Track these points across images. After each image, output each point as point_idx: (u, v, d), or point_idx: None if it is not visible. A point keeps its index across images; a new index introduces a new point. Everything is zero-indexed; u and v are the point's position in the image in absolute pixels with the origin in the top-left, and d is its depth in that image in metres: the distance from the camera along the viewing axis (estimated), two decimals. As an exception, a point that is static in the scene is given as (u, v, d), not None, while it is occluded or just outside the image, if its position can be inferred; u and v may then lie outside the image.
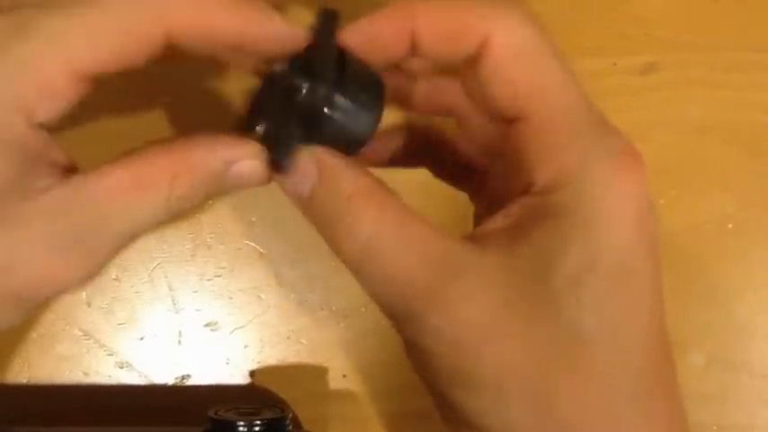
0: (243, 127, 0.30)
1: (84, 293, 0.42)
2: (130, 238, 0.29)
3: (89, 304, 0.42)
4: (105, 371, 0.42)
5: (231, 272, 0.43)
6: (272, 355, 0.43)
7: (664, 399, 0.28)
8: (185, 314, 0.43)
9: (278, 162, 0.28)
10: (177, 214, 0.29)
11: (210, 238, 0.43)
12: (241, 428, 0.36)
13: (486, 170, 0.32)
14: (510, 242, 0.27)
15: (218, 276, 0.43)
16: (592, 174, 0.26)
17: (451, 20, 0.28)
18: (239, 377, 0.43)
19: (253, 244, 0.43)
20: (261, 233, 0.43)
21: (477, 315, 0.26)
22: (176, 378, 0.43)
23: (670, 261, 0.42)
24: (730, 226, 0.43)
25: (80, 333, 0.42)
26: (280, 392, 0.42)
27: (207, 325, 0.43)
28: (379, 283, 0.27)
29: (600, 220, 0.26)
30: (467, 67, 0.28)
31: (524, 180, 0.27)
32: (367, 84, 0.28)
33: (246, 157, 0.28)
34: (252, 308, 0.43)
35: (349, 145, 0.28)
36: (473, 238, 0.28)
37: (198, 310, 0.43)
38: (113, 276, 0.42)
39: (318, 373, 0.43)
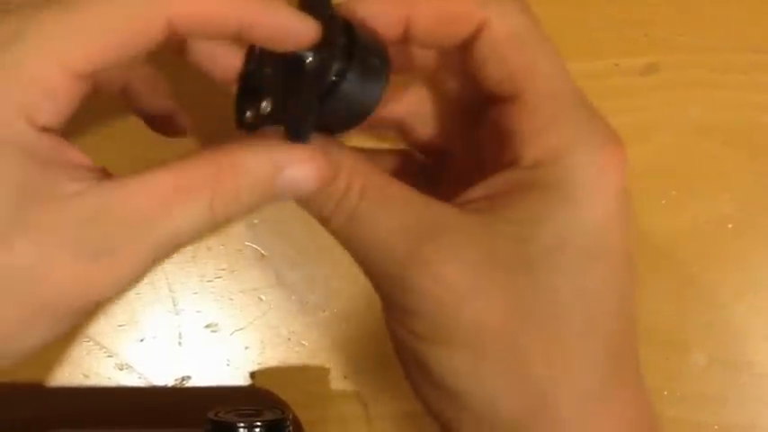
0: (241, 109, 0.30)
1: None
2: (172, 246, 0.28)
3: None
4: (105, 373, 0.42)
5: (232, 273, 0.43)
6: (273, 357, 0.43)
7: (630, 362, 0.29)
8: (186, 315, 0.43)
9: (296, 133, 0.27)
10: (222, 223, 0.28)
11: (211, 239, 0.43)
12: (241, 430, 0.36)
13: (444, 154, 0.34)
14: (492, 207, 0.28)
15: (219, 278, 0.43)
16: (578, 154, 0.28)
17: (451, 4, 0.29)
18: (240, 379, 0.43)
19: (254, 245, 0.43)
20: (262, 235, 0.43)
21: (457, 274, 0.27)
22: (176, 379, 0.43)
23: (670, 261, 0.43)
24: (730, 226, 0.43)
25: (80, 335, 0.42)
26: (280, 394, 0.42)
27: (207, 326, 0.43)
28: (364, 248, 0.28)
29: (583, 196, 0.28)
30: (457, 51, 0.30)
31: (509, 156, 0.29)
32: (373, 54, 0.28)
33: (299, 162, 0.28)
34: (252, 309, 0.43)
35: (354, 115, 0.29)
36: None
37: (198, 312, 0.43)
38: None
39: (319, 374, 0.43)
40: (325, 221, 0.29)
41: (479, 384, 0.28)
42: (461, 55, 0.30)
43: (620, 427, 0.28)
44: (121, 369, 0.42)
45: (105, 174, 0.28)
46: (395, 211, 0.28)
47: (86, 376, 0.42)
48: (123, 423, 0.41)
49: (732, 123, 0.44)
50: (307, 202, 0.29)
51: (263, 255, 0.43)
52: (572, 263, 0.28)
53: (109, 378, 0.42)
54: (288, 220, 0.43)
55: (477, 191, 0.29)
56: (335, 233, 0.29)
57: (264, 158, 0.28)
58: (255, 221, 0.43)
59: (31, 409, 0.42)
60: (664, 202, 0.43)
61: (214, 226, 0.28)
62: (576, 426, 0.28)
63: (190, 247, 0.43)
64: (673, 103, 0.44)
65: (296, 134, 0.27)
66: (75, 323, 0.28)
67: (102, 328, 0.42)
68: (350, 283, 0.43)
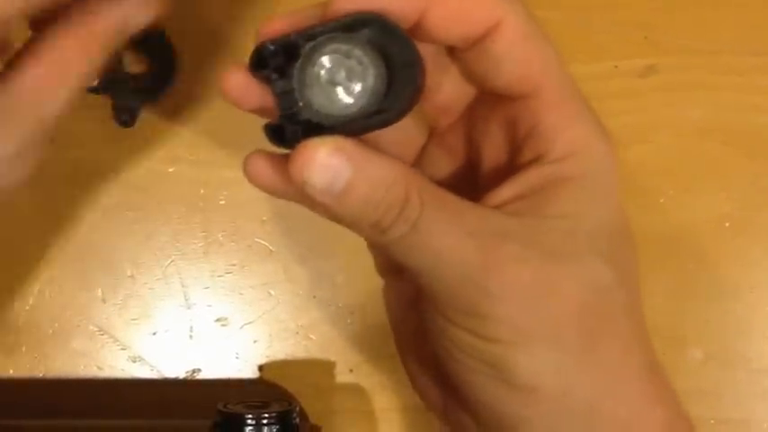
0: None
1: (99, 290, 0.43)
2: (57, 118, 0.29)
3: (104, 300, 0.43)
4: (119, 365, 0.42)
5: (242, 269, 0.43)
6: (281, 350, 0.43)
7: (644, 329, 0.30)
8: (197, 310, 0.43)
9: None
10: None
11: (222, 236, 0.43)
12: (249, 421, 0.36)
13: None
14: (530, 207, 0.28)
15: (229, 273, 0.43)
16: (595, 146, 0.29)
17: (469, 1, 0.29)
18: (248, 371, 0.43)
19: (263, 242, 0.43)
20: (271, 231, 0.43)
21: (529, 274, 0.27)
22: (187, 372, 0.43)
23: (669, 259, 0.43)
24: (727, 225, 0.43)
25: (95, 329, 0.42)
26: (288, 386, 0.42)
27: (218, 320, 0.43)
28: (432, 256, 0.27)
29: (606, 185, 0.29)
30: (468, 50, 0.29)
31: (532, 152, 0.29)
32: (406, 57, 0.28)
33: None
34: (262, 304, 0.43)
35: (386, 119, 0.28)
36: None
37: (209, 306, 0.43)
38: (128, 273, 0.43)
39: (326, 367, 0.43)
40: (381, 233, 0.28)
41: (556, 377, 0.28)
42: (468, 54, 0.30)
43: (669, 396, 0.30)
44: (134, 361, 0.42)
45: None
46: (457, 217, 0.28)
47: (100, 368, 0.42)
48: (135, 414, 0.41)
49: (730, 124, 0.44)
50: (362, 213, 0.27)
51: (271, 251, 0.43)
52: (611, 248, 0.29)
53: (122, 370, 0.42)
54: (296, 217, 0.43)
55: (508, 191, 0.29)
56: (392, 244, 0.28)
57: (110, 15, 0.29)
58: (264, 219, 0.43)
59: (46, 400, 0.42)
60: (662, 200, 0.43)
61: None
62: (640, 402, 0.29)
63: (202, 244, 0.43)
64: (672, 105, 0.44)
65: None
66: None
67: (115, 322, 0.42)
68: (356, 279, 0.43)
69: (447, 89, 0.32)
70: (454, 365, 0.29)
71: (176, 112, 0.43)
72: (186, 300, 0.43)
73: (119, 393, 0.42)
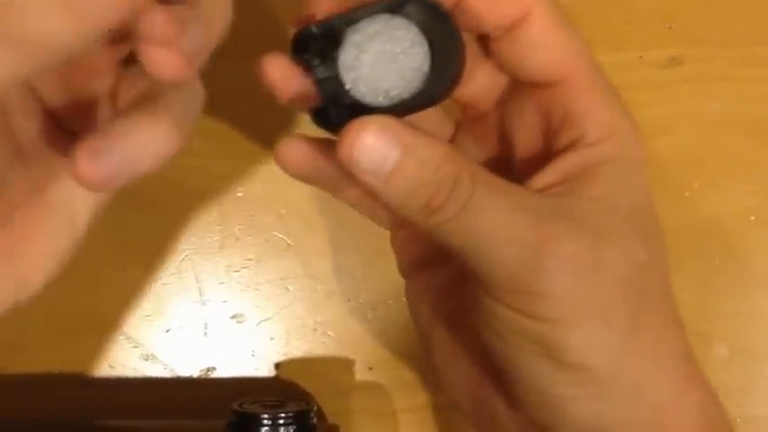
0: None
1: None
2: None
3: None
4: (130, 363, 0.42)
5: (258, 263, 0.43)
6: (298, 348, 0.43)
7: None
8: (212, 306, 0.43)
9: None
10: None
11: (239, 229, 0.43)
12: (265, 421, 0.36)
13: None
14: (571, 189, 0.29)
15: (246, 268, 0.43)
16: (626, 129, 0.30)
17: None
18: (264, 370, 0.43)
19: (281, 235, 0.43)
20: (289, 225, 0.43)
21: (582, 252, 0.28)
22: (201, 370, 0.43)
23: (693, 253, 0.43)
24: (753, 218, 0.43)
25: (107, 326, 0.42)
26: (305, 385, 0.42)
27: (233, 317, 0.43)
28: (485, 236, 0.28)
29: (638, 167, 0.30)
30: (500, 38, 0.31)
31: (568, 136, 0.30)
32: (448, 37, 0.28)
33: None
34: (278, 300, 0.43)
35: (429, 99, 0.28)
36: None
37: (224, 302, 0.43)
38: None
39: (344, 365, 0.43)
40: (431, 214, 0.28)
41: (606, 355, 0.28)
42: (500, 42, 0.31)
43: (702, 380, 0.31)
44: (147, 359, 0.42)
45: None
46: (508, 196, 0.28)
47: (112, 367, 0.42)
48: (147, 414, 0.41)
49: (755, 116, 0.44)
50: (411, 194, 0.28)
51: (289, 245, 0.43)
52: (645, 228, 0.30)
53: (134, 369, 0.42)
54: (315, 210, 0.43)
55: (548, 176, 0.30)
56: (442, 225, 0.28)
57: None
58: (282, 212, 0.43)
59: (55, 400, 0.42)
60: (687, 194, 0.43)
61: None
62: (678, 383, 0.30)
63: (217, 238, 0.43)
64: (696, 96, 0.44)
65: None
66: None
67: (128, 318, 0.42)
68: (376, 274, 0.43)
69: (479, 79, 0.33)
70: (501, 347, 0.29)
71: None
72: (201, 295, 0.43)
73: (130, 392, 0.42)
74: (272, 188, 0.43)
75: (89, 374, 0.42)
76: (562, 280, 0.27)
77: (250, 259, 0.43)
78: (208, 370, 0.42)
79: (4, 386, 0.42)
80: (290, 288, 0.43)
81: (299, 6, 0.31)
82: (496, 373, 0.32)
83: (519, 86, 0.32)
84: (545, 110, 0.31)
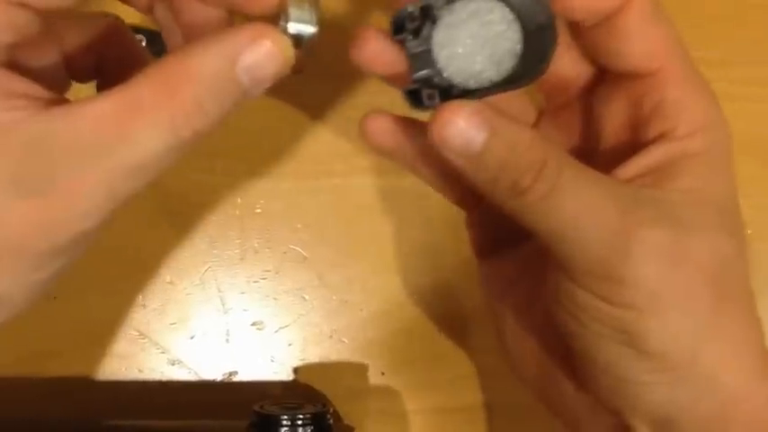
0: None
1: (139, 295, 0.43)
2: (136, 174, 0.24)
3: (143, 305, 0.43)
4: (158, 368, 0.42)
5: (277, 274, 0.43)
6: (315, 353, 0.43)
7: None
8: (233, 314, 0.43)
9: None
10: (195, 138, 0.24)
11: (258, 242, 0.43)
12: (284, 422, 0.36)
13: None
14: (660, 182, 0.28)
15: (265, 279, 0.43)
16: (716, 120, 0.29)
17: None
18: (283, 374, 0.43)
19: (297, 248, 0.43)
20: (305, 238, 0.43)
21: (668, 240, 0.27)
22: (224, 374, 0.43)
23: None
24: (750, 231, 0.41)
25: (135, 333, 0.42)
26: (321, 388, 0.43)
27: (253, 324, 0.43)
28: (572, 218, 0.27)
29: (726, 160, 0.29)
30: (596, 26, 0.29)
31: (658, 128, 0.29)
32: (542, 18, 0.27)
33: (250, 43, 0.24)
34: (296, 308, 0.43)
35: (521, 81, 0.27)
36: None
37: (245, 311, 0.43)
38: (167, 280, 0.43)
39: (358, 370, 0.43)
40: (519, 194, 0.27)
41: (686, 345, 0.27)
42: (594, 30, 0.29)
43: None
44: (173, 364, 0.43)
45: (59, 103, 0.25)
46: (596, 182, 0.27)
47: (141, 371, 0.42)
48: (174, 415, 0.42)
49: (752, 134, 0.44)
50: (499, 174, 0.27)
51: (305, 257, 0.43)
52: (732, 221, 0.29)
53: (162, 373, 0.42)
54: (329, 224, 0.43)
55: (635, 167, 0.29)
56: (529, 206, 0.27)
57: (215, 55, 0.24)
58: (299, 226, 0.43)
59: (89, 402, 0.42)
60: None
61: (185, 144, 0.24)
62: (752, 375, 0.29)
63: (238, 251, 0.43)
64: None
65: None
66: (56, 264, 0.25)
67: (155, 326, 0.43)
68: (387, 284, 0.43)
69: (567, 67, 0.32)
70: (579, 332, 0.29)
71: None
72: (223, 305, 0.43)
73: (159, 395, 0.42)
74: (289, 205, 0.43)
75: (120, 379, 0.42)
76: (647, 267, 0.27)
77: (269, 271, 0.43)
78: (230, 374, 0.43)
79: (40, 390, 0.42)
80: (307, 297, 0.43)
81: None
82: (567, 356, 0.31)
83: (607, 76, 0.31)
84: (635, 100, 0.30)
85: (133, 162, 0.24)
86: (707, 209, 0.28)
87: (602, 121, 0.31)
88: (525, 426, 0.44)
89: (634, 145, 0.29)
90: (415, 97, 0.28)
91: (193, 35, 0.29)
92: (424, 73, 0.28)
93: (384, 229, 0.44)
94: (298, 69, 0.26)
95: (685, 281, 0.27)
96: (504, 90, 0.27)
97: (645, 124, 0.29)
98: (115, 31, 0.32)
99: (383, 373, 0.43)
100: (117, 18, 0.32)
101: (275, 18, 0.26)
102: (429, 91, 0.27)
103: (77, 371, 0.42)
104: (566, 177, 0.26)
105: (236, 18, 0.29)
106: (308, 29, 0.26)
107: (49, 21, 0.27)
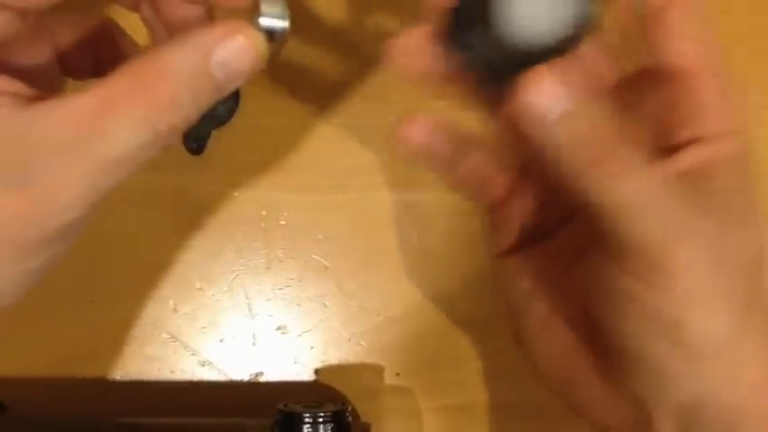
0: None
1: (171, 301, 0.43)
2: (117, 168, 0.24)
3: (175, 310, 0.43)
4: (189, 369, 0.43)
5: (300, 282, 0.44)
6: (335, 356, 0.44)
7: None
8: (259, 319, 0.44)
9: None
10: (174, 132, 0.24)
11: (282, 252, 0.44)
12: (307, 420, 0.37)
13: None
14: (697, 183, 0.28)
15: (289, 286, 0.44)
16: (741, 122, 0.29)
17: None
18: (305, 375, 0.44)
19: (319, 258, 0.44)
20: (326, 249, 0.44)
21: (710, 233, 0.27)
22: (251, 375, 0.44)
23: None
24: None
25: (167, 336, 0.43)
26: (341, 388, 0.43)
27: (278, 329, 0.44)
28: (637, 199, 0.26)
29: (747, 162, 0.29)
30: (648, 21, 0.29)
31: (692, 131, 0.28)
32: None
33: (224, 38, 0.24)
34: (317, 314, 0.44)
35: (574, 44, 0.26)
36: None
37: (270, 316, 0.44)
38: (197, 286, 0.43)
39: (375, 371, 0.44)
40: (591, 167, 0.26)
41: (726, 336, 0.27)
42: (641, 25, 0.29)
43: None
44: (203, 366, 0.43)
45: (42, 99, 0.24)
46: (659, 164, 0.27)
47: (172, 372, 0.43)
48: (204, 413, 0.42)
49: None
50: (576, 146, 0.26)
51: (326, 266, 0.44)
52: (759, 223, 0.29)
53: (192, 373, 0.43)
54: (349, 235, 0.44)
55: (668, 170, 0.28)
56: (601, 182, 0.26)
57: (189, 51, 0.24)
58: (320, 237, 0.44)
59: (124, 401, 0.43)
60: None
61: (162, 138, 0.24)
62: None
63: (264, 260, 0.44)
64: None
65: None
66: (43, 254, 0.25)
67: (186, 330, 0.43)
68: (402, 292, 0.44)
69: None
70: (615, 319, 0.28)
71: (240, 139, 0.44)
72: (250, 310, 0.44)
73: (189, 394, 0.43)
74: (311, 217, 0.44)
75: (153, 379, 0.43)
76: (696, 255, 0.26)
77: (292, 279, 0.44)
78: (256, 375, 0.43)
79: (79, 389, 0.42)
80: (327, 304, 0.44)
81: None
82: (595, 348, 0.30)
83: (639, 79, 0.30)
84: (667, 103, 0.29)
85: (112, 155, 0.24)
86: (738, 208, 0.28)
87: (632, 120, 0.30)
88: (536, 425, 0.44)
89: (662, 145, 0.29)
90: (485, 78, 0.27)
91: (176, 33, 0.28)
92: (490, 50, 0.26)
93: (399, 240, 0.44)
94: (269, 64, 0.26)
95: (726, 274, 0.27)
96: (565, 52, 0.26)
97: (677, 127, 0.29)
98: (109, 30, 0.31)
99: (398, 374, 0.44)
100: (108, 18, 0.32)
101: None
102: (496, 70, 0.26)
103: (113, 372, 0.43)
104: (638, 158, 0.26)
105: (217, 15, 0.30)
106: (280, 23, 0.26)
107: (40, 19, 0.26)
